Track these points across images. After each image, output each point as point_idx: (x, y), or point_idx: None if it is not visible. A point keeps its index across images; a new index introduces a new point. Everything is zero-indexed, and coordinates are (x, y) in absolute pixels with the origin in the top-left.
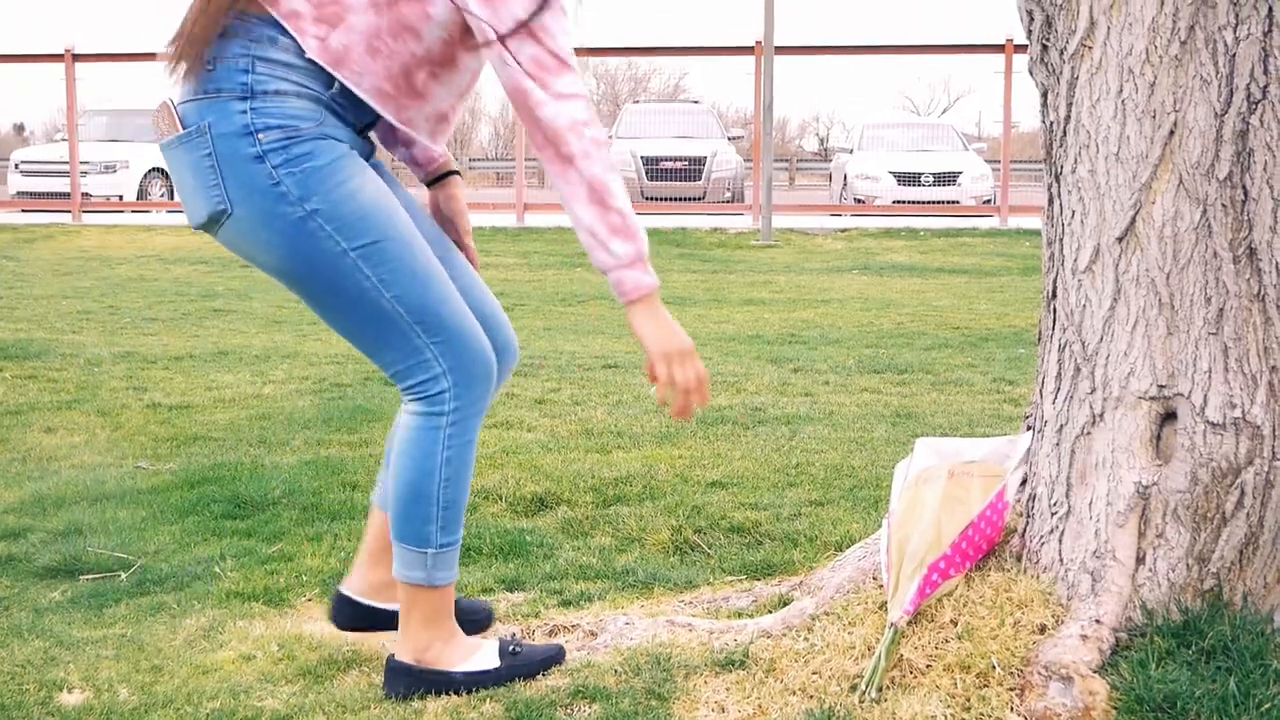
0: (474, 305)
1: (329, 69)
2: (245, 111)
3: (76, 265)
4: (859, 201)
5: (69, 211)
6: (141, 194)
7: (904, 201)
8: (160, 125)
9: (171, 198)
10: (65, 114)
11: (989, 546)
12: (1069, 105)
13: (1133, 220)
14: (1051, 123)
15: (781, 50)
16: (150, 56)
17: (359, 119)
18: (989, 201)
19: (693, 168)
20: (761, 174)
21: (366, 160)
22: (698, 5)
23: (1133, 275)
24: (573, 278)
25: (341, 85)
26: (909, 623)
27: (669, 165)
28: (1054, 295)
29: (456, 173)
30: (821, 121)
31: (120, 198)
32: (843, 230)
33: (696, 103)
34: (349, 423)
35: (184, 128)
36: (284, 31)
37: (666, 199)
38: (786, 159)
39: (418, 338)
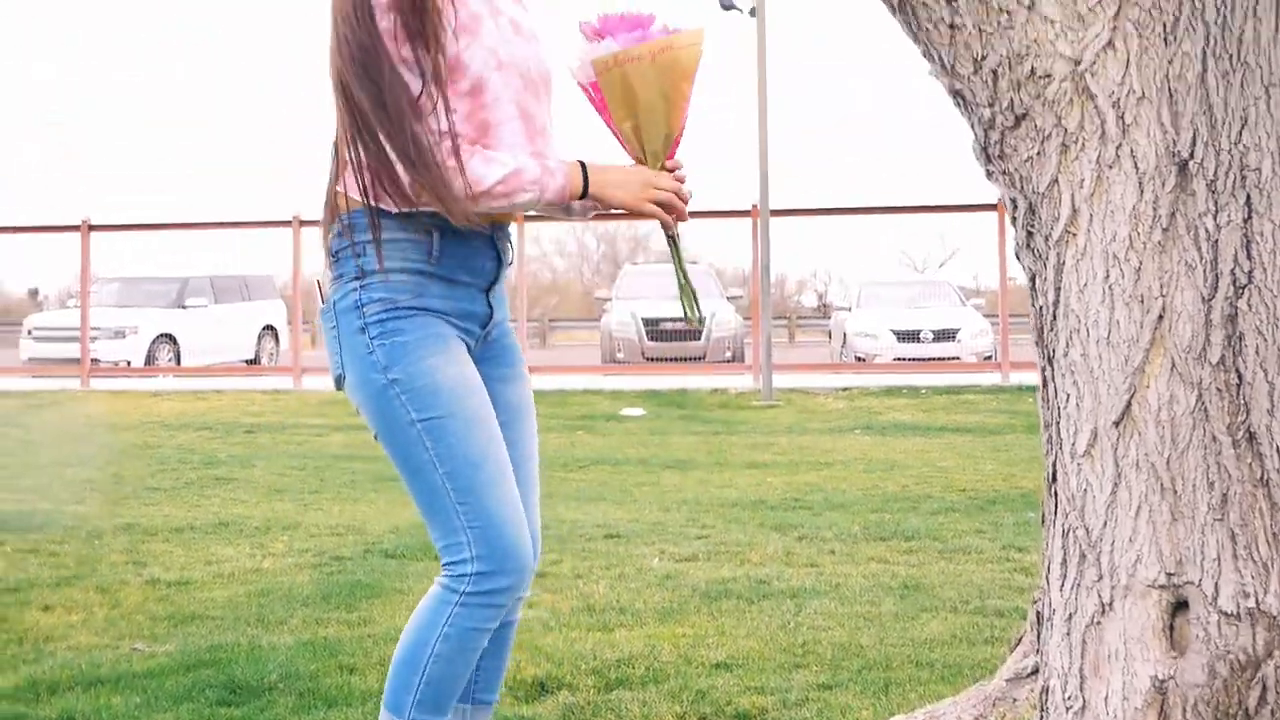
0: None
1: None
2: (357, 290)
3: (84, 432)
4: (859, 359)
5: (78, 377)
6: (149, 359)
7: (904, 359)
8: (317, 299)
9: (178, 363)
10: (79, 280)
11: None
12: (1057, 290)
13: (1128, 404)
14: (1041, 307)
15: (777, 213)
16: (163, 226)
17: (475, 276)
18: (990, 357)
19: (692, 328)
20: (761, 335)
21: (483, 329)
22: (695, 168)
23: (1132, 460)
24: (574, 441)
25: (441, 243)
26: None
27: (669, 326)
28: (1054, 479)
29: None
30: (819, 277)
31: (128, 363)
32: (844, 389)
33: (695, 263)
34: (348, 599)
35: (324, 302)
36: (380, 213)
37: (667, 359)
38: (786, 316)
39: (458, 518)
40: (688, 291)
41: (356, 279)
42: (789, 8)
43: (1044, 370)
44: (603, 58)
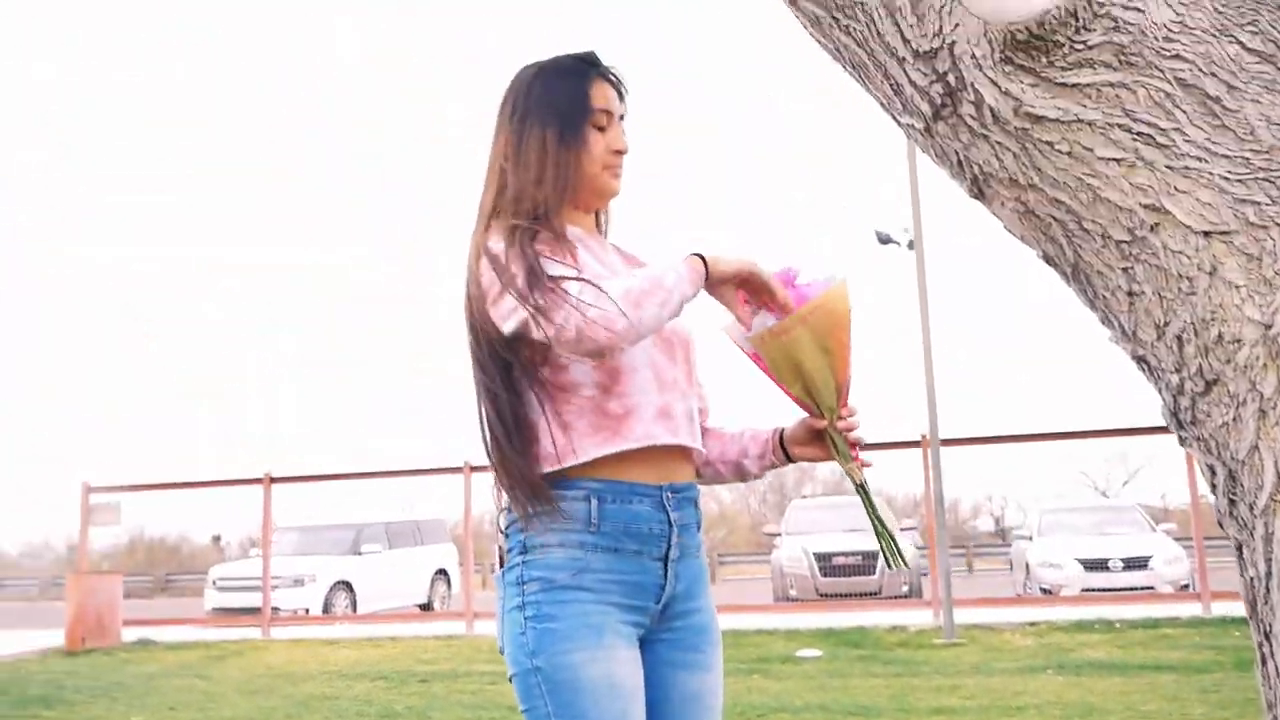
0: None
1: (554, 481)
2: (520, 565)
3: (264, 684)
4: (1045, 591)
5: (259, 626)
6: (326, 606)
7: (1093, 589)
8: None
9: (354, 609)
10: (260, 529)
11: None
12: (1268, 561)
13: None
14: (1252, 578)
15: (948, 443)
16: (339, 477)
17: (643, 544)
18: (1186, 586)
19: (867, 562)
20: (939, 569)
21: (657, 602)
22: (864, 401)
23: None
24: (750, 686)
25: (601, 509)
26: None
27: (842, 560)
28: None
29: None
30: (994, 501)
31: (306, 610)
32: (1031, 624)
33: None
34: None
35: (500, 567)
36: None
37: (842, 595)
38: (963, 545)
39: None
40: (886, 538)
41: (521, 554)
42: (947, 237)
43: (1261, 646)
44: (758, 334)
